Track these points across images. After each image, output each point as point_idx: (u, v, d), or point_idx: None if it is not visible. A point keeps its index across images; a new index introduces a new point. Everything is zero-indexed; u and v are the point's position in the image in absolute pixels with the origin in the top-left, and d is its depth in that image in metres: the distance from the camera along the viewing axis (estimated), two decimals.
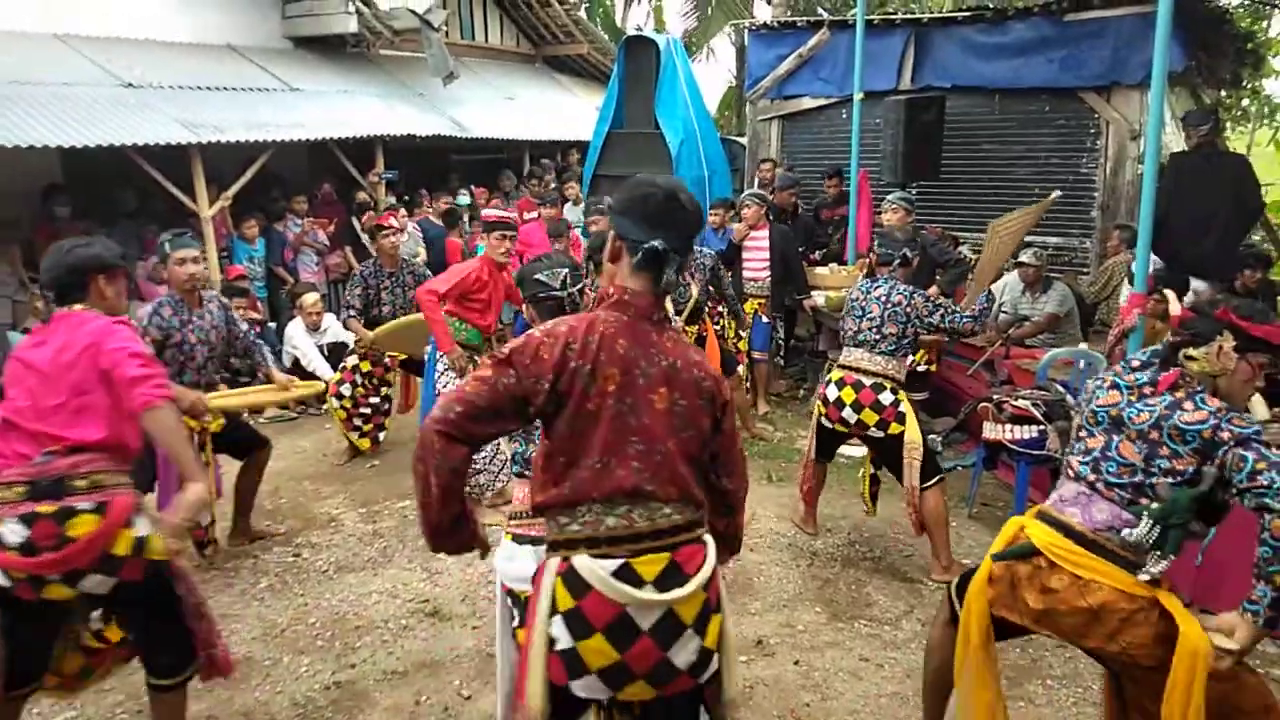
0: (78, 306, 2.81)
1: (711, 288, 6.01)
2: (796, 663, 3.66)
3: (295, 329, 7.16)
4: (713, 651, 2.04)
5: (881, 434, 4.29)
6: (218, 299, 4.57)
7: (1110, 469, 2.43)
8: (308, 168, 9.78)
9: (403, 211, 8.83)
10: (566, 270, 2.78)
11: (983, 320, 4.41)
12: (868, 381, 4.32)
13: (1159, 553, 2.30)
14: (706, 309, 6.02)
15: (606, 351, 1.94)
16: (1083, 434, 2.55)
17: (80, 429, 2.63)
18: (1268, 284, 5.93)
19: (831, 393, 4.41)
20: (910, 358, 4.57)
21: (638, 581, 1.93)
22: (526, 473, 2.59)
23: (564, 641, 1.94)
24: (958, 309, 4.37)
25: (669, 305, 5.51)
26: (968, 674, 2.61)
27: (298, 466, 6.02)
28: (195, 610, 2.83)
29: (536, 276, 2.77)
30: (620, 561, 1.92)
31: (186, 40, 9.18)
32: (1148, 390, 2.45)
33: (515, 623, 2.48)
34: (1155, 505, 2.32)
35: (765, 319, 6.75)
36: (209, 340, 4.36)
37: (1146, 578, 2.32)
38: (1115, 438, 2.45)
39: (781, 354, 7.49)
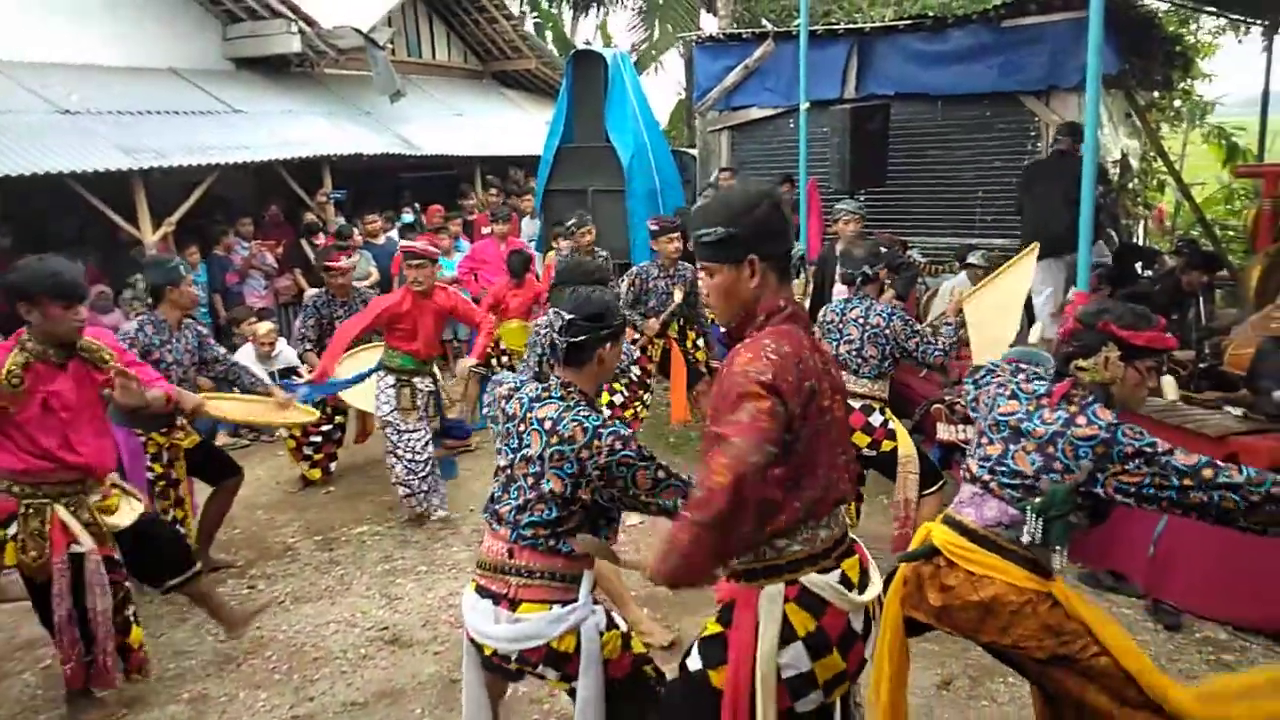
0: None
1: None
2: None
3: (244, 355, 7.02)
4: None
5: (874, 453, 4.28)
6: (194, 326, 4.66)
7: (1004, 474, 2.50)
8: (254, 190, 9.64)
9: (357, 234, 8.70)
10: (570, 317, 2.44)
11: (951, 355, 4.40)
12: (856, 405, 4.28)
13: (1047, 547, 2.40)
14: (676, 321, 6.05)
15: (820, 368, 1.95)
16: (983, 439, 2.62)
17: None
18: (1208, 286, 6.10)
19: None
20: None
21: (851, 586, 1.99)
22: (494, 525, 2.48)
23: (798, 667, 1.93)
24: (932, 341, 4.35)
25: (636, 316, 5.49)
26: (881, 666, 2.65)
27: (251, 495, 5.88)
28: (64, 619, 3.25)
29: (552, 309, 2.62)
30: (840, 571, 1.98)
31: (126, 64, 9.01)
32: (1045, 401, 2.51)
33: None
34: (1036, 500, 2.40)
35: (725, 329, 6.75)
36: (181, 362, 4.51)
37: (1057, 572, 2.43)
38: (1012, 447, 2.51)
39: None
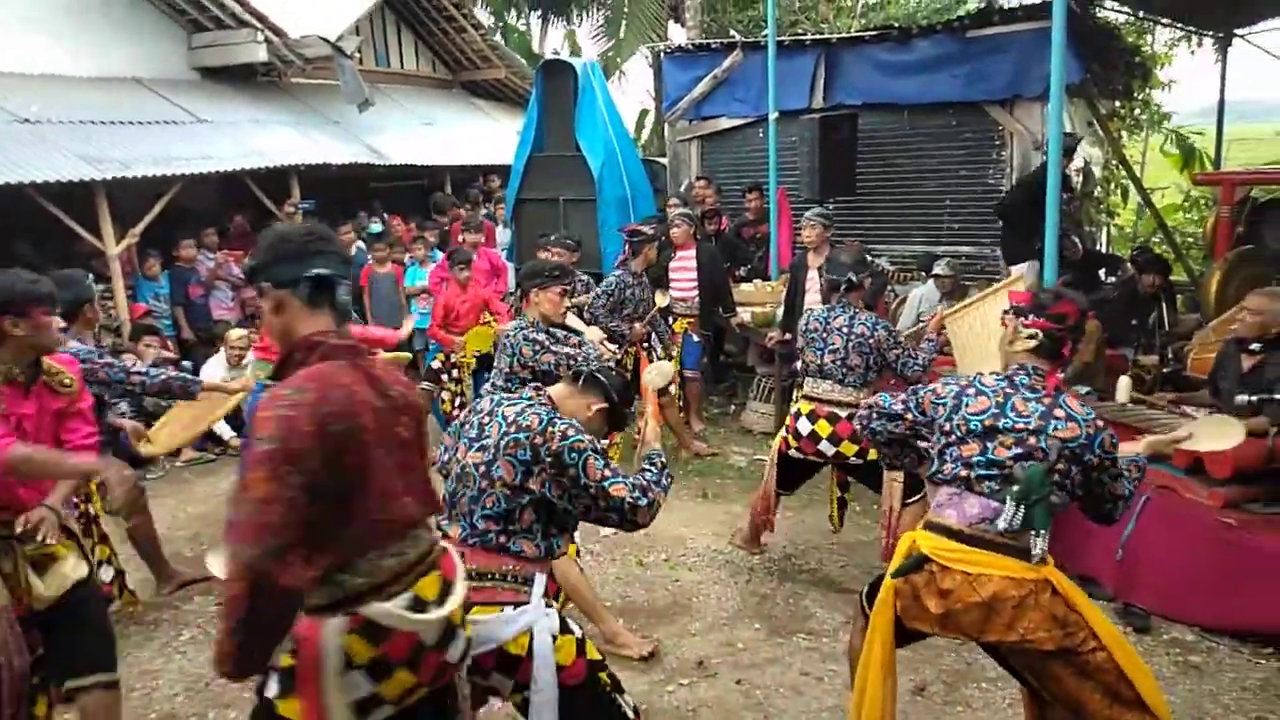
0: None
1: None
2: (738, 682, 3.66)
3: (213, 368, 6.93)
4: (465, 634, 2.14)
5: (861, 461, 4.28)
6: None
7: (981, 467, 2.54)
8: (220, 201, 9.52)
9: None
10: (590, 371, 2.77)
11: (930, 370, 4.46)
12: (843, 413, 4.26)
13: (1033, 531, 2.43)
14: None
15: (370, 400, 1.93)
16: (953, 439, 2.62)
17: None
18: (1167, 286, 6.22)
19: (804, 426, 4.33)
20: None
21: (424, 606, 1.98)
22: (445, 527, 2.49)
23: (359, 691, 1.92)
24: (912, 354, 4.38)
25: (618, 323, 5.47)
26: (868, 679, 2.65)
27: (218, 510, 5.79)
28: None
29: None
30: (411, 594, 1.96)
31: (89, 74, 8.88)
32: (1010, 392, 2.59)
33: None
34: (1014, 488, 2.44)
35: (695, 337, 6.77)
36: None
37: (1036, 559, 2.45)
38: (990, 444, 2.55)
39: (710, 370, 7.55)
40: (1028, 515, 2.41)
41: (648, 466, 2.59)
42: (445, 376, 6.56)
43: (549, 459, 2.37)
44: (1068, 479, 2.49)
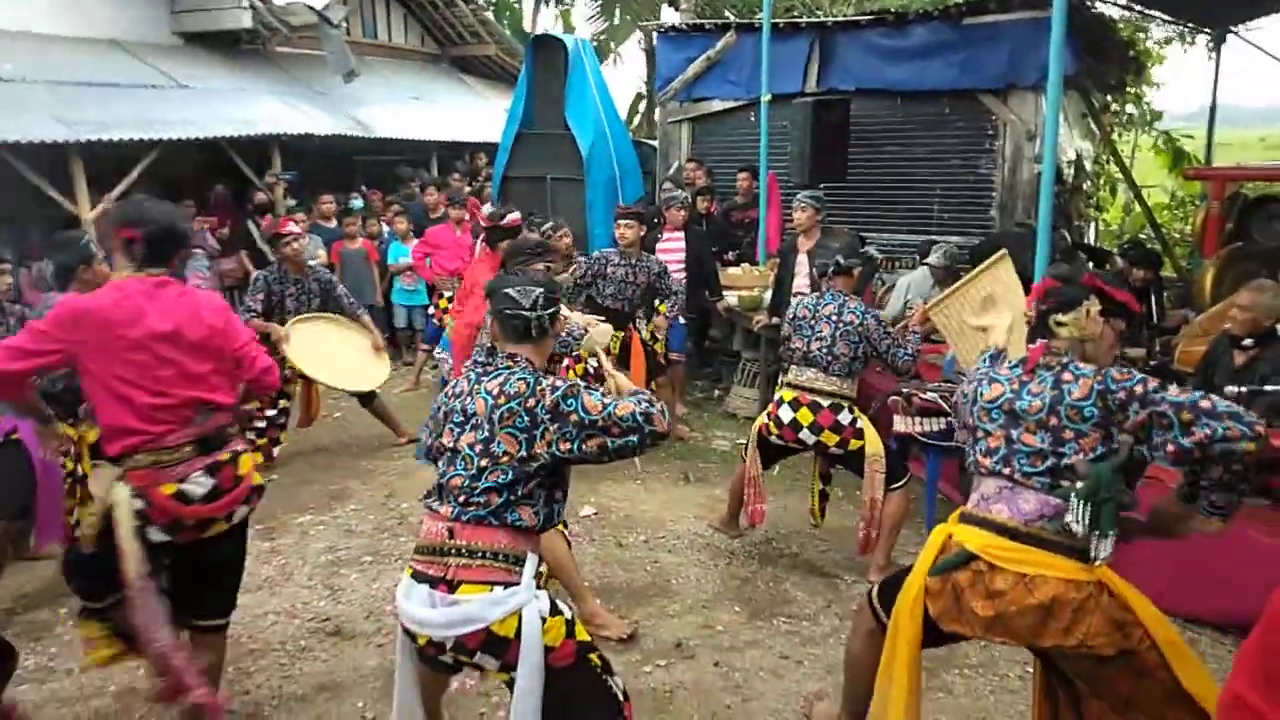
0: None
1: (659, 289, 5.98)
2: (717, 664, 3.60)
3: None
4: None
5: (842, 451, 4.21)
6: None
7: (1021, 460, 2.39)
8: (199, 169, 9.33)
9: (300, 215, 8.47)
10: (540, 291, 2.52)
11: (919, 360, 4.40)
12: (825, 403, 4.19)
13: (1099, 533, 2.25)
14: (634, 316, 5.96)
15: None
16: (980, 434, 2.52)
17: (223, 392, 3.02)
18: (1156, 281, 6.19)
19: (786, 414, 4.25)
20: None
21: None
22: (435, 505, 2.41)
23: None
24: (903, 344, 4.29)
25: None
26: (892, 686, 2.48)
27: None
28: None
29: (506, 290, 2.53)
30: None
31: (68, 34, 8.66)
32: (1025, 377, 2.47)
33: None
34: (1080, 485, 2.27)
35: (681, 320, 6.68)
36: None
37: (1100, 562, 2.26)
38: (1014, 430, 2.43)
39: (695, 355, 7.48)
40: (1095, 514, 2.22)
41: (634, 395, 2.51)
42: None
43: (547, 416, 2.31)
44: (1114, 442, 2.31)
